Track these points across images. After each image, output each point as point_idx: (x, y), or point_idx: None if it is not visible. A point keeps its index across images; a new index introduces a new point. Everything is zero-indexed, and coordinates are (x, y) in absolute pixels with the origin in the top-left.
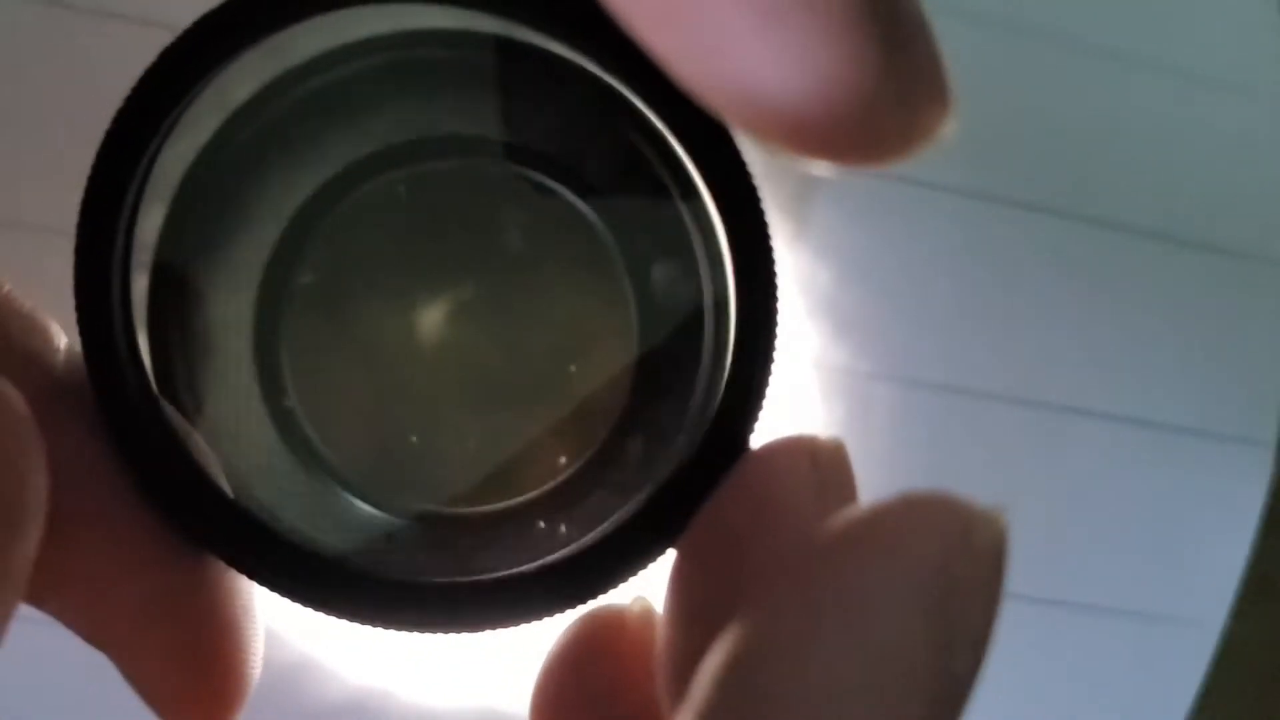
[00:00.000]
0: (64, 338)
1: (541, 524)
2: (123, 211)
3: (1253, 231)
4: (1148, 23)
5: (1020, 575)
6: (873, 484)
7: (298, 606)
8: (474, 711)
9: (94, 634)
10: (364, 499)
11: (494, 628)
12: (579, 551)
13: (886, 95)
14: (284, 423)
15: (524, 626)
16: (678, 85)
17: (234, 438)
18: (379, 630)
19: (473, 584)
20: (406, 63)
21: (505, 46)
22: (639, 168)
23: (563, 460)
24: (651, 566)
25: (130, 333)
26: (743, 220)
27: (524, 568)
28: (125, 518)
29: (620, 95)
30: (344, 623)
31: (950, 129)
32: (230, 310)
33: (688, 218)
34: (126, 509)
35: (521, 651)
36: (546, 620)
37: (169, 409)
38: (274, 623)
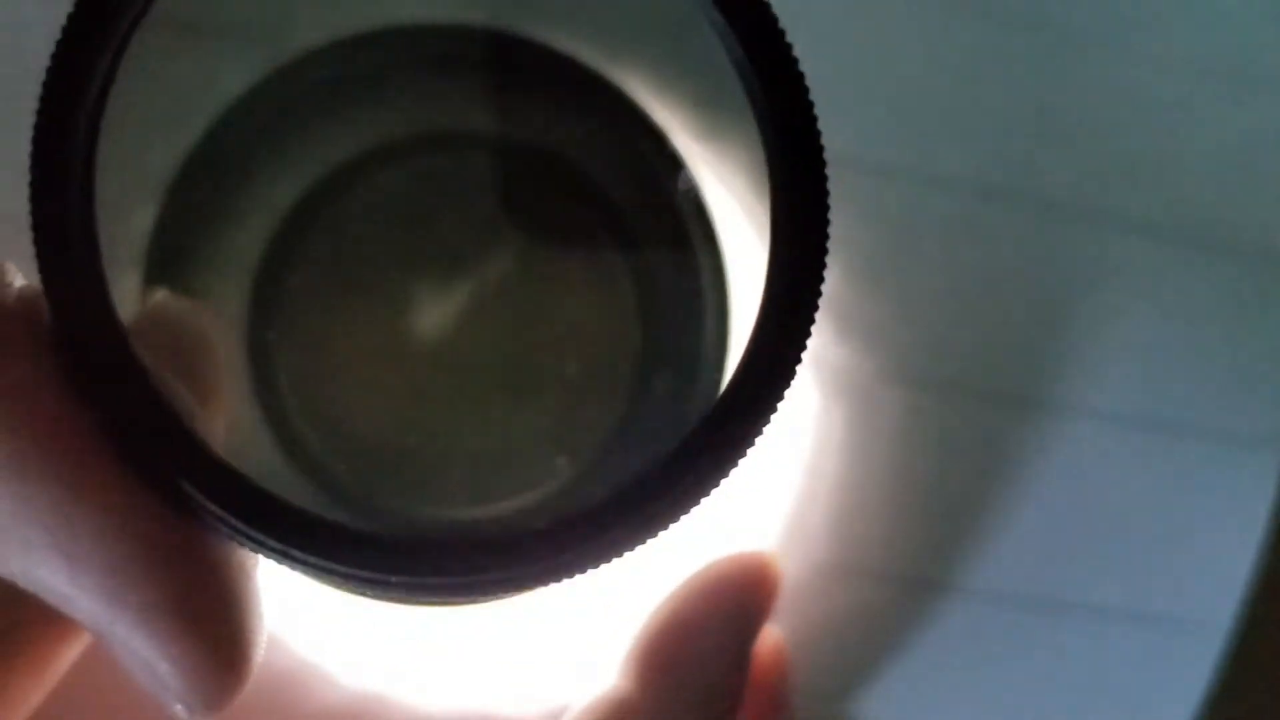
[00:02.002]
0: (19, 277)
1: (541, 526)
2: (80, 126)
3: (1262, 229)
4: (1152, 18)
5: (1025, 576)
6: (877, 485)
7: (278, 564)
8: (472, 717)
9: (62, 595)
10: (360, 500)
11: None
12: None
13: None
14: (279, 424)
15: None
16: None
17: (227, 437)
18: (357, 588)
19: (475, 537)
20: (400, 59)
21: (501, 41)
22: (636, 162)
23: (561, 461)
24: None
25: (95, 260)
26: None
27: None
28: (90, 460)
29: (617, 89)
30: (323, 579)
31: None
32: (224, 309)
33: (686, 212)
34: (91, 450)
35: (520, 658)
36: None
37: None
38: (270, 627)
